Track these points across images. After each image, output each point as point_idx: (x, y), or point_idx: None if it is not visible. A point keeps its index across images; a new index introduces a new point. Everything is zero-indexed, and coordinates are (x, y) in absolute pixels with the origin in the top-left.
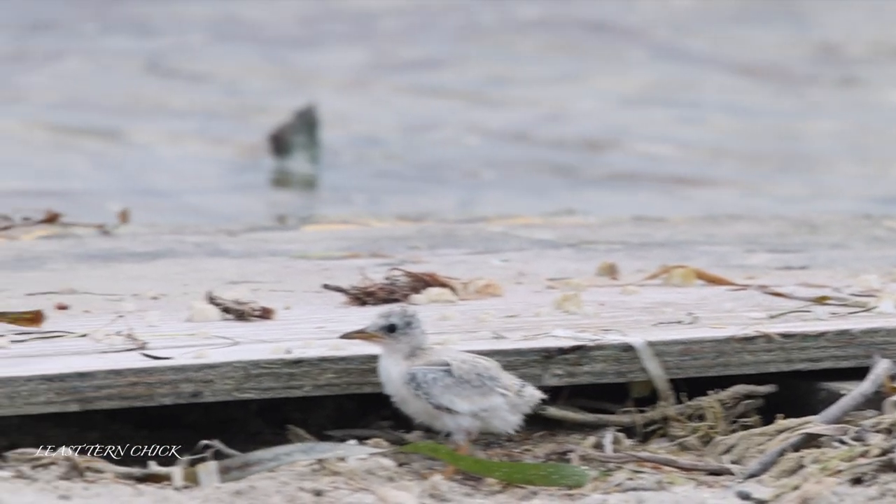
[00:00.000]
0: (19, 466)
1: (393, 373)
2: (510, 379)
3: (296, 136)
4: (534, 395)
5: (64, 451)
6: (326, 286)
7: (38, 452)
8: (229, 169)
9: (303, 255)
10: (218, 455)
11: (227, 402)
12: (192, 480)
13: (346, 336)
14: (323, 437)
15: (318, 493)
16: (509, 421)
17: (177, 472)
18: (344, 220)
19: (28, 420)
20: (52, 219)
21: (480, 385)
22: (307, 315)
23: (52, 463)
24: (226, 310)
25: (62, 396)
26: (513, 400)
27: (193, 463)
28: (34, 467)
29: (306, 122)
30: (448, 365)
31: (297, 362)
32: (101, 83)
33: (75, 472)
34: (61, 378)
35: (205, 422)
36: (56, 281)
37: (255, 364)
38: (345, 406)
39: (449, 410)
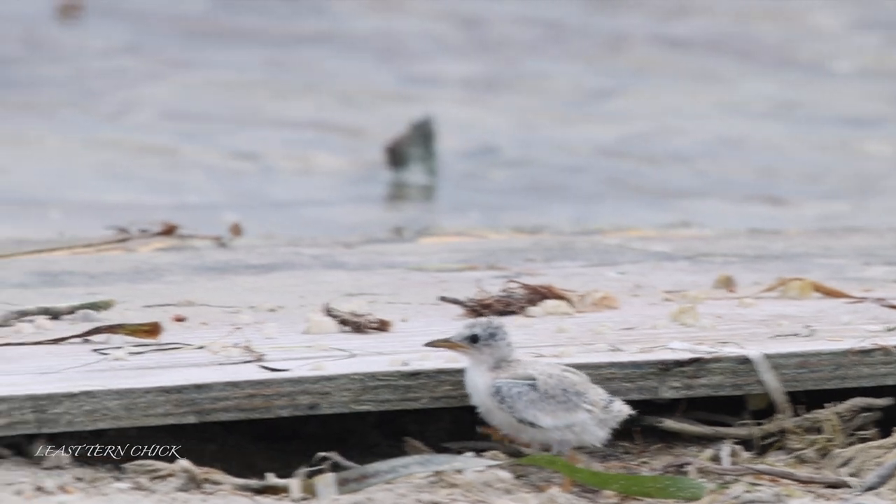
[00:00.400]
0: (137, 478)
1: (479, 384)
2: (598, 394)
3: (412, 147)
4: (622, 410)
5: (182, 462)
6: (443, 298)
7: (156, 464)
8: (346, 181)
9: (419, 267)
10: (335, 467)
11: (345, 415)
12: (309, 492)
13: (432, 344)
14: (440, 450)
15: None
16: (597, 435)
17: (294, 484)
18: (460, 233)
19: (146, 431)
20: (169, 231)
21: (566, 401)
22: (424, 327)
23: (170, 475)
24: (343, 322)
25: (180, 408)
26: (599, 416)
27: (311, 475)
28: (152, 479)
29: (423, 134)
30: (534, 379)
31: (415, 374)
32: (219, 96)
33: (193, 483)
34: (179, 390)
35: (322, 434)
36: (173, 293)
37: (373, 376)
38: (462, 418)
39: (532, 425)
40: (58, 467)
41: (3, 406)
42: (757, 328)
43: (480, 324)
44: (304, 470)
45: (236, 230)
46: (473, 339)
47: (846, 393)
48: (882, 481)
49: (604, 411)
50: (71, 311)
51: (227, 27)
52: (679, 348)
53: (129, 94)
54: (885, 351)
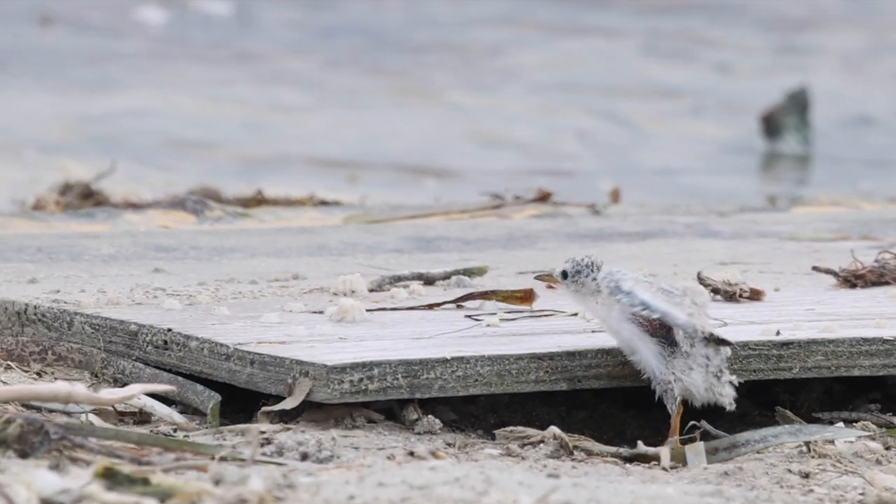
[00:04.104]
0: (508, 444)
1: (598, 315)
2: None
3: (787, 117)
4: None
5: (553, 429)
6: (816, 268)
7: (527, 431)
8: (720, 150)
9: (792, 236)
10: (705, 436)
11: None
12: (679, 461)
13: (538, 277)
14: (811, 420)
15: (806, 476)
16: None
17: (665, 452)
18: (834, 202)
19: (517, 398)
20: (543, 198)
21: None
22: (796, 297)
23: (541, 441)
24: (715, 291)
25: (552, 375)
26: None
27: (681, 443)
28: (523, 445)
29: (798, 104)
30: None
31: (786, 344)
32: (596, 63)
33: (564, 450)
34: (551, 357)
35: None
36: (546, 260)
37: (745, 346)
38: (833, 388)
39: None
40: (429, 432)
41: (375, 371)
42: None
43: (572, 260)
44: (674, 438)
45: (615, 196)
46: (564, 275)
47: None
48: None
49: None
50: (445, 276)
51: None
52: None
53: (505, 61)
54: None
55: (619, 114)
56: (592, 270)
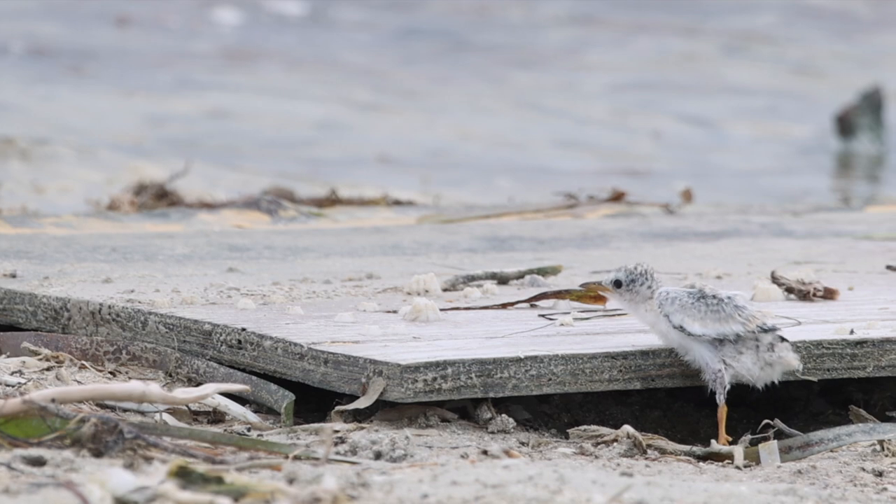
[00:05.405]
0: (582, 443)
1: (647, 323)
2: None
3: (861, 117)
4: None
5: (627, 428)
6: (890, 267)
7: (600, 430)
8: (795, 149)
9: (867, 235)
10: (779, 434)
11: (789, 382)
12: (753, 459)
13: (584, 285)
14: (885, 418)
15: (879, 474)
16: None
17: (738, 451)
18: None
19: (590, 397)
20: (617, 198)
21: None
22: (870, 296)
23: (615, 440)
24: (789, 290)
25: (625, 374)
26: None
27: (755, 442)
28: (596, 444)
29: (872, 104)
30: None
31: (860, 343)
32: (671, 63)
33: (637, 449)
34: (625, 356)
35: (766, 400)
36: (620, 259)
37: (818, 344)
38: None
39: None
40: (503, 431)
41: (449, 370)
42: None
43: (624, 269)
44: (748, 437)
45: (688, 196)
46: (617, 284)
47: None
48: None
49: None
50: (519, 276)
51: None
52: None
53: (578, 62)
54: None
55: (695, 114)
56: (647, 279)
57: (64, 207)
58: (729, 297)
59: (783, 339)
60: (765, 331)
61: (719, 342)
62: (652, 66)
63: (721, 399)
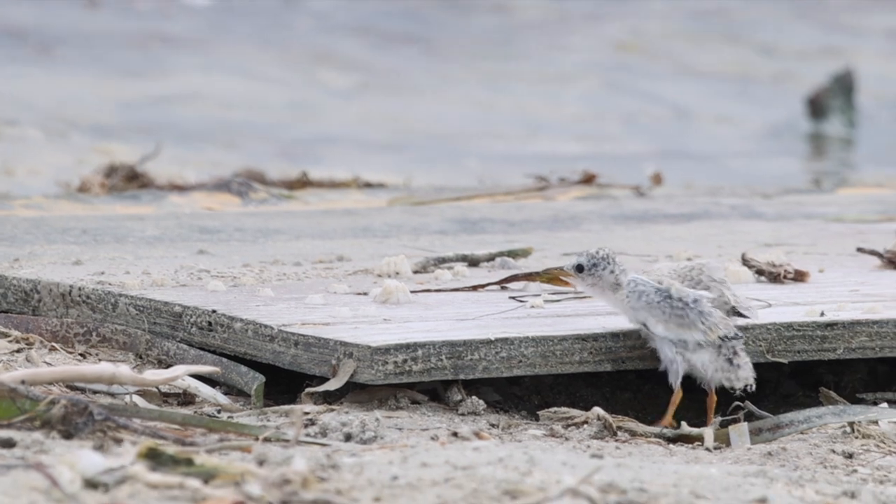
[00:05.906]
0: (552, 425)
1: (614, 305)
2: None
3: (832, 99)
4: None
5: (597, 410)
6: (860, 249)
7: (570, 411)
8: (765, 132)
9: (837, 217)
10: (749, 416)
11: (759, 364)
12: (723, 441)
13: (547, 270)
14: (854, 401)
15: (849, 456)
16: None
17: (708, 432)
18: (879, 184)
19: (561, 379)
20: (588, 180)
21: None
22: (841, 278)
23: (585, 422)
24: (759, 272)
25: (596, 356)
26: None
27: (725, 424)
28: (566, 426)
29: (843, 86)
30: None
31: (831, 325)
32: (639, 45)
33: (607, 431)
34: (595, 338)
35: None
36: (591, 241)
37: (789, 326)
38: (877, 369)
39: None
40: (473, 413)
41: (420, 352)
42: None
43: (586, 254)
44: (718, 419)
45: (657, 179)
46: (579, 269)
47: None
48: None
49: (720, 339)
50: (490, 258)
51: None
52: None
53: (549, 44)
54: None
55: (665, 97)
56: (609, 263)
57: (34, 189)
58: (695, 301)
59: (738, 354)
60: (725, 339)
61: (682, 341)
62: (623, 49)
63: (675, 384)
